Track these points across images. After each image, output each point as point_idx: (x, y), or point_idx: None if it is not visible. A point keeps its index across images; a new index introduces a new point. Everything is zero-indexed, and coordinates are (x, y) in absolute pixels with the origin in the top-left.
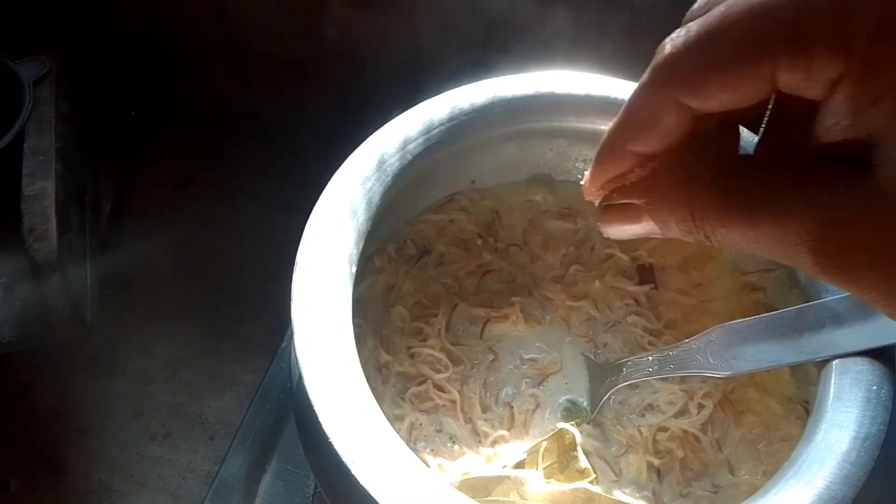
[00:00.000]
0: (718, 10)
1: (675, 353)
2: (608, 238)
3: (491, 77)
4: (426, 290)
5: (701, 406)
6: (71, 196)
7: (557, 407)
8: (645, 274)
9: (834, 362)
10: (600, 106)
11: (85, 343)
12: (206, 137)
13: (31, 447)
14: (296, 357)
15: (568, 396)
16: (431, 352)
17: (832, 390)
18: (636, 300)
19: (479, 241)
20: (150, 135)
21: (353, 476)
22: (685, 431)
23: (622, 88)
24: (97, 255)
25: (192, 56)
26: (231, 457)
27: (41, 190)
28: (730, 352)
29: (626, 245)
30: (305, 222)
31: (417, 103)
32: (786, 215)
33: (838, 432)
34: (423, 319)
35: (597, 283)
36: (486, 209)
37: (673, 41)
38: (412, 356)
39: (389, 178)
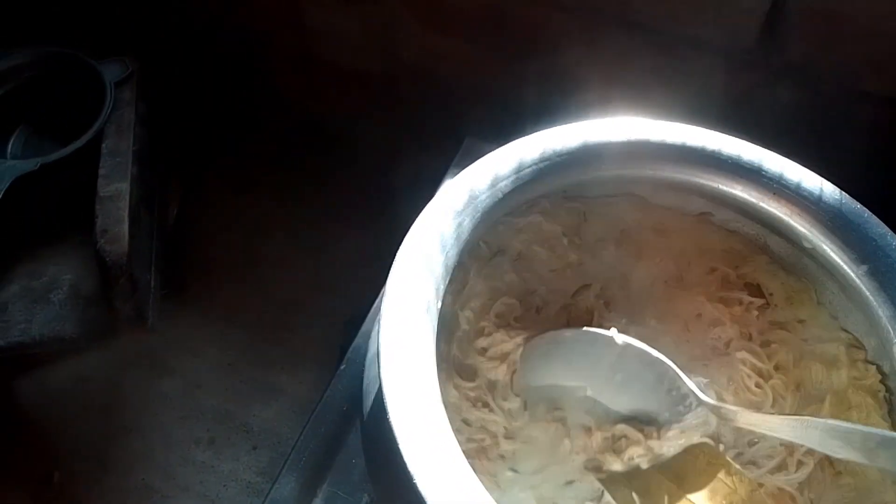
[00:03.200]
0: None
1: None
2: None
3: (567, 120)
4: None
5: (801, 463)
6: (142, 199)
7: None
8: (752, 293)
9: None
10: (693, 156)
11: (139, 342)
12: (272, 145)
13: (78, 441)
14: (381, 391)
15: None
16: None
17: None
18: (750, 334)
19: (565, 241)
20: (217, 140)
21: None
22: (781, 490)
23: (715, 140)
24: (161, 259)
25: (266, 64)
26: (283, 477)
27: (116, 192)
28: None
29: (728, 262)
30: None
31: (488, 133)
32: None
33: None
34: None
35: (700, 302)
36: (573, 210)
37: None
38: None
39: (480, 213)
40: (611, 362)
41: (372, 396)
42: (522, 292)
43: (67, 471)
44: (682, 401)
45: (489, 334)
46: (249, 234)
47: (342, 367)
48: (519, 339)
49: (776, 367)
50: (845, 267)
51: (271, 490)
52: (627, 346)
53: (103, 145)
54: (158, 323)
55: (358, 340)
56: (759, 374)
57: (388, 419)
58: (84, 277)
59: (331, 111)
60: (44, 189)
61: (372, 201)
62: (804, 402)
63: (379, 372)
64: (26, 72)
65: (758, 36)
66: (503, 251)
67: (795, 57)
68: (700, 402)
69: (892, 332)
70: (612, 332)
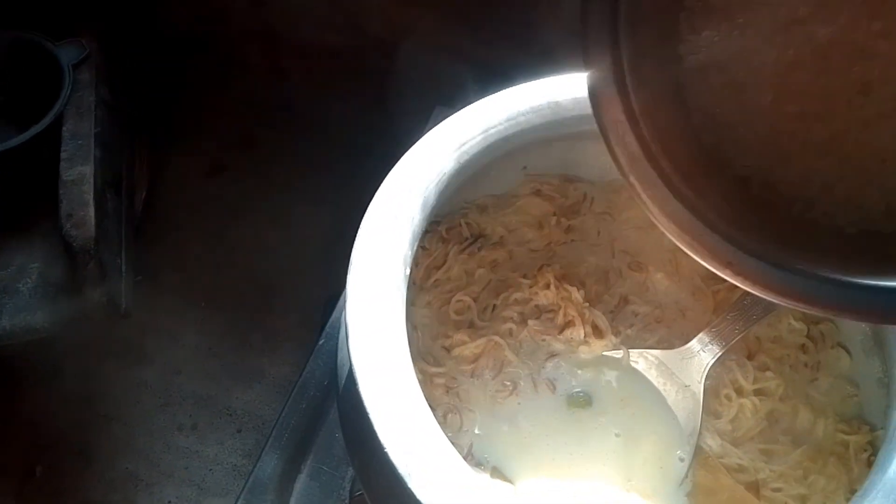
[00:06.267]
0: None
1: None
2: None
3: (537, 78)
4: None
5: None
6: (108, 182)
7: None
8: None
9: None
10: None
11: (115, 330)
12: (240, 125)
13: (58, 433)
14: (350, 363)
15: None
16: None
17: None
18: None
19: (553, 220)
20: (184, 122)
21: (409, 489)
22: None
23: None
24: (131, 243)
25: (230, 44)
26: (266, 455)
27: (79, 175)
28: None
29: None
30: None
31: (457, 102)
32: None
33: None
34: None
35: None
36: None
37: None
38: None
39: (445, 178)
40: None
41: (345, 371)
42: (491, 283)
43: (50, 463)
44: None
45: (449, 336)
46: (221, 216)
47: (321, 343)
48: (481, 342)
49: (758, 392)
50: None
51: (255, 469)
52: None
53: (64, 129)
54: (133, 309)
55: (335, 315)
56: (738, 390)
57: (358, 392)
58: (52, 265)
59: (297, 89)
60: (5, 177)
61: (344, 177)
62: (770, 436)
63: (347, 345)
64: None
65: None
66: (485, 236)
67: None
68: None
69: None
70: None
